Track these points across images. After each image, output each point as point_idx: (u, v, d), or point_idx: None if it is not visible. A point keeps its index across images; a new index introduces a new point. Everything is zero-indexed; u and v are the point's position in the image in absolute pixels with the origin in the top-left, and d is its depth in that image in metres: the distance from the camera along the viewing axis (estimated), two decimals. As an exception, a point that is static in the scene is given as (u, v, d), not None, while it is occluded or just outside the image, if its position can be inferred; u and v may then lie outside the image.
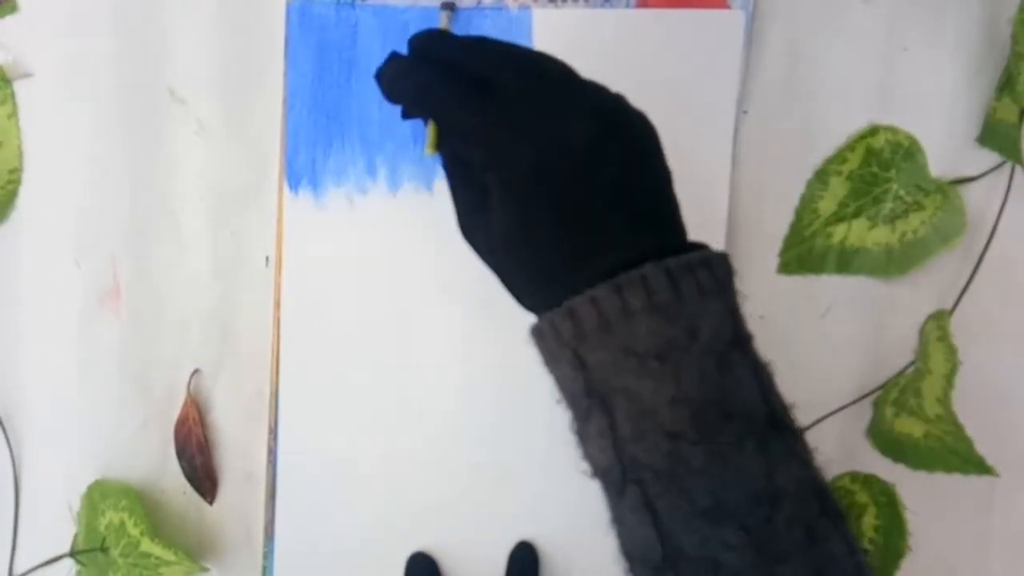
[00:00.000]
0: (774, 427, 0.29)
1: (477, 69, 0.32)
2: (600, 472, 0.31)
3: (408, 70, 0.33)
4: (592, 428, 0.30)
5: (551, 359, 0.31)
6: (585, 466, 0.32)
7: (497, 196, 0.31)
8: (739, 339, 0.30)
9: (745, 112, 0.44)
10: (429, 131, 0.35)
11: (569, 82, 0.32)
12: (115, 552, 0.46)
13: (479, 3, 0.44)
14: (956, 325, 0.43)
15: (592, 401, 0.29)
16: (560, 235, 0.30)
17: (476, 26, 0.44)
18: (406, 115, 0.37)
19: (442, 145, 0.34)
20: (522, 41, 0.44)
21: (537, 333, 0.31)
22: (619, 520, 0.31)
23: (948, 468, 0.43)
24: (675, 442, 0.28)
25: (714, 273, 0.29)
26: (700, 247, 0.31)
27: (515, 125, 0.30)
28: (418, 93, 0.32)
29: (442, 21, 0.40)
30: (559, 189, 0.30)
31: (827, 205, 0.44)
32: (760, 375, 0.30)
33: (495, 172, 0.31)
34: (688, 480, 0.28)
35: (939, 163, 0.43)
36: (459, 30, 0.44)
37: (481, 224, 0.32)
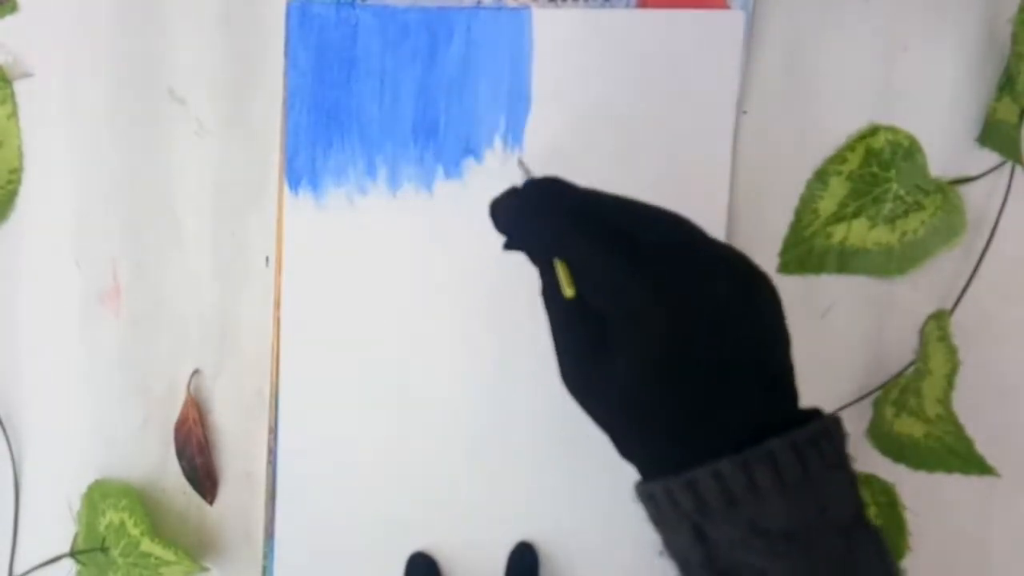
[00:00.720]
0: None
1: (615, 217, 0.31)
2: None
3: (538, 209, 0.32)
4: None
5: (664, 524, 0.31)
6: None
7: (627, 349, 0.29)
8: (860, 512, 0.29)
9: (745, 112, 0.44)
10: (561, 270, 0.32)
11: (705, 240, 0.31)
12: (115, 552, 0.46)
13: (479, 2, 0.44)
14: (956, 325, 0.43)
15: (711, 574, 0.29)
16: (689, 401, 0.29)
17: (476, 26, 0.44)
18: (511, 247, 0.35)
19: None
20: (522, 40, 0.44)
21: (649, 498, 0.30)
22: None
23: (948, 468, 0.43)
24: None
25: (835, 443, 0.29)
26: (811, 413, 0.30)
27: (657, 279, 0.29)
28: (551, 235, 0.31)
29: (521, 175, 0.38)
30: (695, 348, 0.28)
31: (827, 205, 0.44)
32: (881, 547, 0.30)
33: (629, 325, 0.29)
34: None
35: (939, 163, 0.43)
36: (465, 28, 0.44)
37: (594, 375, 0.31)
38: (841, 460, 0.29)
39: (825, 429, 0.29)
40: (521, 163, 0.37)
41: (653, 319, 0.28)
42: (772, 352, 0.30)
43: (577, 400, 0.32)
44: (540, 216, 0.32)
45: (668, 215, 0.31)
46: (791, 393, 0.31)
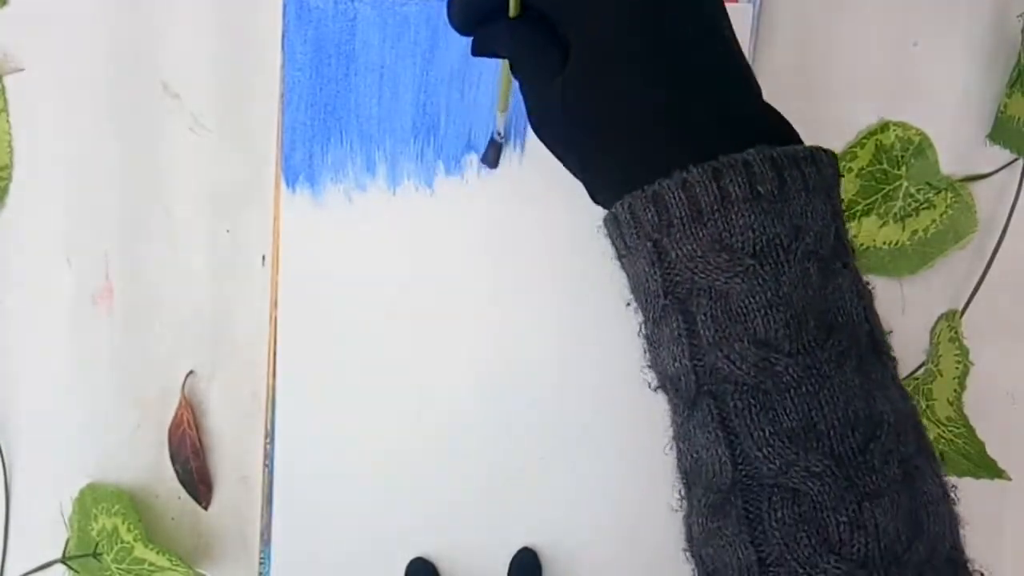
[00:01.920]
0: (875, 350, 0.27)
1: None
2: (669, 382, 0.27)
3: None
4: (666, 332, 0.26)
5: (626, 252, 0.28)
6: (650, 376, 0.28)
7: (578, 58, 0.27)
8: (842, 248, 0.27)
9: (753, 108, 0.43)
10: None
11: None
12: (108, 558, 0.45)
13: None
14: (967, 325, 0.43)
15: (669, 301, 0.26)
16: (649, 101, 0.26)
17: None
18: (466, 30, 0.32)
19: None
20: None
21: (612, 221, 0.28)
22: (684, 437, 0.27)
23: (959, 472, 0.42)
24: (765, 352, 0.25)
25: (821, 170, 0.26)
26: (792, 131, 0.28)
27: None
28: None
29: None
30: (648, 40, 0.26)
31: (837, 203, 0.43)
32: (861, 291, 0.27)
33: (578, 27, 0.27)
34: (775, 396, 0.25)
35: (949, 160, 0.43)
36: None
37: (557, 98, 0.28)
38: (826, 188, 0.26)
39: (812, 153, 0.26)
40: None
41: (602, 9, 0.26)
42: (727, 37, 0.27)
43: (546, 142, 0.30)
44: None
45: None
46: (756, 89, 0.28)
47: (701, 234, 0.25)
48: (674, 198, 0.25)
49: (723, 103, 0.27)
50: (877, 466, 0.25)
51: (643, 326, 0.28)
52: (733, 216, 0.25)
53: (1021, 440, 0.43)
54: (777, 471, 0.25)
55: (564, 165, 0.30)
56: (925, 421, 0.43)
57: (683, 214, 0.25)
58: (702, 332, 0.26)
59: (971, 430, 0.42)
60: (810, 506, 0.25)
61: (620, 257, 0.29)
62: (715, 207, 0.25)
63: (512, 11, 0.29)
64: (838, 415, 0.25)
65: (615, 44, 0.26)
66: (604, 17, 0.26)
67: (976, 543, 0.44)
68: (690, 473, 0.28)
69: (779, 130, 0.28)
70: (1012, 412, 0.44)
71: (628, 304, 0.29)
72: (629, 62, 0.26)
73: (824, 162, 0.26)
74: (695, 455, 0.27)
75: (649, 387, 0.29)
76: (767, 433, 0.25)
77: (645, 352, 0.28)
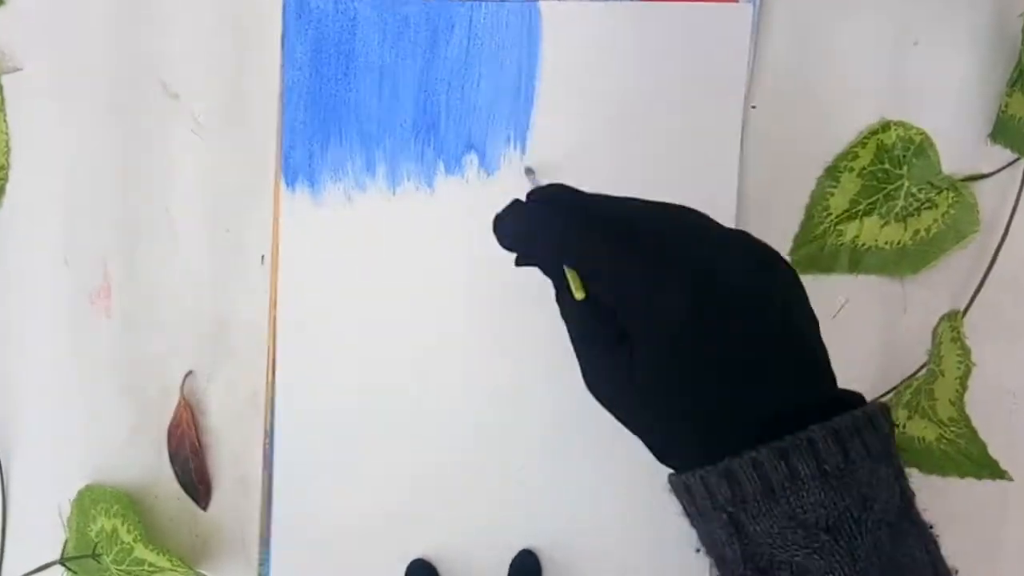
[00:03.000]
0: None
1: (615, 215, 0.30)
2: None
3: (541, 215, 0.31)
4: None
5: (699, 517, 0.29)
6: None
7: (644, 345, 0.28)
8: (907, 506, 0.28)
9: (754, 107, 0.43)
10: (570, 274, 0.31)
11: (712, 222, 0.30)
12: (107, 559, 0.45)
13: (481, -5, 0.43)
14: (969, 325, 0.42)
15: (750, 571, 0.28)
16: (715, 386, 0.28)
17: (478, 18, 0.43)
18: (523, 263, 0.34)
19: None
20: (530, 34, 0.43)
21: (684, 489, 0.29)
22: None
23: (961, 472, 0.42)
24: None
25: (879, 432, 0.28)
26: (856, 398, 0.29)
27: (668, 267, 0.28)
28: (553, 244, 0.31)
29: (528, 184, 0.36)
30: (717, 335, 0.27)
31: (838, 202, 0.43)
32: (928, 542, 0.28)
33: (644, 318, 0.28)
34: None
35: (951, 160, 0.43)
36: (467, 20, 0.43)
37: (615, 376, 0.30)
38: (887, 450, 0.28)
39: (869, 417, 0.27)
40: (529, 172, 0.37)
41: (666, 302, 0.27)
42: (799, 329, 0.29)
43: (604, 406, 0.31)
44: (543, 227, 0.31)
45: (672, 205, 0.31)
46: (827, 374, 0.30)
47: (775, 511, 0.27)
48: (746, 476, 0.27)
49: (789, 392, 0.28)
50: None
51: None
52: (804, 493, 0.26)
53: (1022, 440, 0.43)
54: None
55: (625, 426, 0.31)
56: (927, 422, 0.43)
57: (756, 491, 0.27)
58: None
59: (973, 430, 0.42)
60: None
61: (690, 518, 0.30)
62: (786, 485, 0.26)
63: (577, 295, 0.31)
64: None
65: (685, 341, 0.28)
66: (673, 317, 0.27)
67: (978, 544, 0.44)
68: None
69: (841, 394, 0.29)
70: (1014, 412, 0.44)
71: (698, 551, 0.31)
72: (696, 358, 0.28)
73: (881, 423, 0.28)
74: None
75: None
76: None
77: None
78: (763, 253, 0.29)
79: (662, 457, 0.31)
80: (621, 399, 0.30)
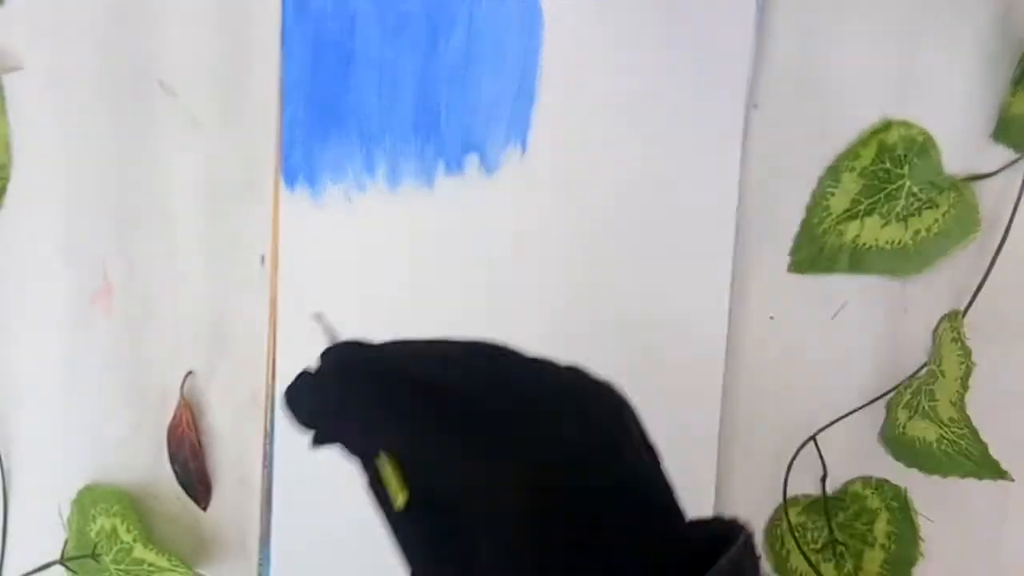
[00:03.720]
0: None
1: (417, 375, 0.27)
2: None
3: (341, 396, 0.27)
4: None
5: None
6: None
7: (485, 534, 0.25)
8: None
9: (755, 106, 0.43)
10: (388, 469, 0.27)
11: (529, 371, 0.27)
12: (107, 559, 0.46)
13: (481, -7, 0.43)
14: (970, 325, 0.42)
15: None
16: (570, 564, 0.25)
17: (478, 14, 0.43)
18: (320, 442, 0.30)
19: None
20: (531, 29, 0.43)
21: None
22: None
23: (962, 473, 0.42)
24: None
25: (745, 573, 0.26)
26: (718, 532, 0.27)
27: (498, 448, 0.25)
28: (362, 427, 0.27)
29: (322, 332, 0.33)
30: (562, 510, 0.25)
31: (839, 202, 0.43)
32: None
33: (482, 507, 0.25)
34: None
35: (953, 159, 0.43)
36: (467, 17, 0.43)
37: (458, 571, 0.26)
38: None
39: (733, 564, 0.25)
40: (319, 319, 0.32)
41: (504, 495, 0.25)
42: (649, 476, 0.27)
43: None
44: (346, 406, 0.27)
45: (479, 352, 0.28)
46: (678, 513, 0.28)
47: None
48: None
49: (644, 536, 0.26)
50: None
51: None
52: None
53: (1023, 440, 0.43)
54: None
55: None
56: (928, 422, 0.43)
57: None
58: None
59: (974, 431, 0.42)
60: None
61: None
62: None
63: (398, 500, 0.27)
64: None
65: (529, 522, 0.25)
66: (521, 521, 0.25)
67: (978, 544, 0.44)
68: None
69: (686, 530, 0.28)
70: (1015, 413, 0.43)
71: None
72: (543, 545, 0.25)
73: (749, 564, 0.26)
74: None
75: None
76: None
77: None
78: (589, 399, 0.27)
79: None
80: None
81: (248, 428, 0.46)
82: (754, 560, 0.27)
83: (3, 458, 0.48)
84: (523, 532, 0.25)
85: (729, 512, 0.34)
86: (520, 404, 0.26)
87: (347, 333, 0.45)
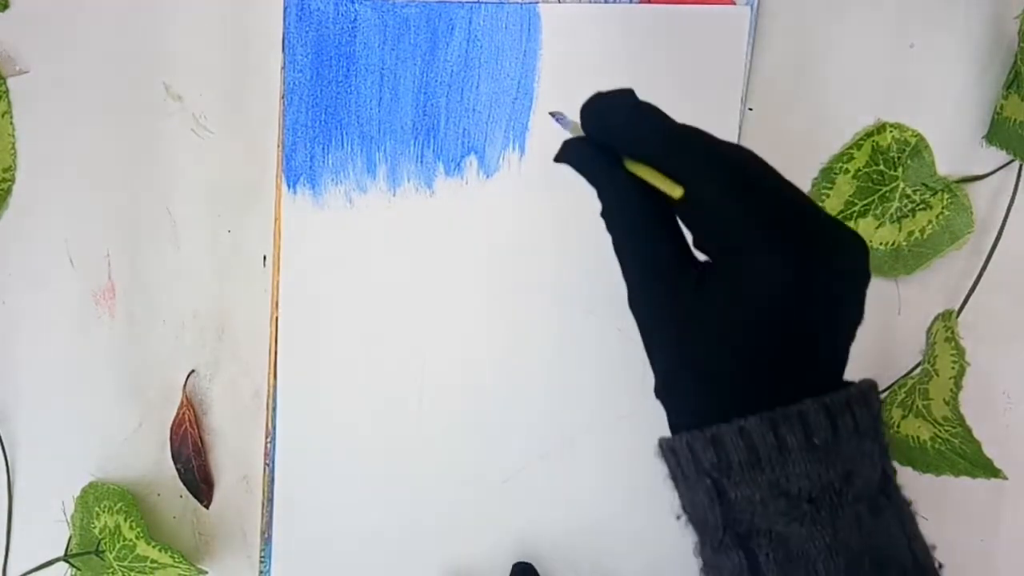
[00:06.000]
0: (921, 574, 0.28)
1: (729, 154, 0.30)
2: None
3: (656, 112, 0.30)
4: (727, 564, 0.28)
5: (682, 480, 0.29)
6: None
7: (728, 290, 0.27)
8: (887, 481, 0.28)
9: (750, 109, 0.44)
10: (655, 174, 0.29)
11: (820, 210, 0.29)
12: (110, 556, 0.46)
13: (480, -2, 0.43)
14: (964, 325, 0.43)
15: (729, 537, 0.28)
16: (764, 356, 0.27)
17: (477, 20, 0.43)
18: (565, 158, 0.32)
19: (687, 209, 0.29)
20: (529, 36, 0.43)
21: (669, 450, 0.29)
22: None
23: (956, 471, 0.42)
24: None
25: (870, 410, 0.28)
26: (845, 382, 0.29)
27: (794, 241, 0.27)
28: (666, 137, 0.29)
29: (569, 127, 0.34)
30: (794, 315, 0.27)
31: (833, 204, 0.43)
32: (904, 518, 0.29)
33: (744, 268, 0.27)
34: None
35: (946, 161, 0.43)
36: (467, 23, 0.44)
37: (671, 299, 0.28)
38: (874, 427, 0.28)
39: (861, 394, 0.27)
40: (559, 116, 0.34)
41: (774, 276, 0.26)
42: (852, 331, 0.29)
43: (639, 319, 0.30)
44: (659, 118, 0.30)
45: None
46: (843, 362, 0.29)
47: (759, 479, 0.27)
48: (733, 444, 0.27)
49: (811, 380, 0.28)
50: None
51: (699, 547, 0.30)
52: (789, 464, 0.26)
53: (1017, 439, 0.43)
54: None
55: (647, 350, 0.30)
56: (921, 421, 0.43)
57: (742, 459, 0.27)
58: (764, 570, 0.27)
59: (967, 430, 0.42)
60: None
61: (673, 480, 0.30)
62: (772, 455, 0.26)
63: (674, 193, 0.28)
64: None
65: (770, 310, 0.27)
66: (775, 279, 0.26)
67: (972, 542, 0.45)
68: None
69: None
70: (1008, 412, 0.44)
71: (678, 518, 0.30)
72: (769, 329, 0.27)
73: (872, 401, 0.28)
74: None
75: None
76: None
77: (702, 572, 0.30)
78: (865, 255, 0.28)
79: (660, 394, 0.30)
80: (664, 323, 0.29)
81: (250, 426, 0.47)
82: (879, 402, 0.29)
83: (8, 455, 0.48)
84: (755, 314, 0.27)
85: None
86: (818, 222, 0.28)
87: (347, 333, 0.46)
